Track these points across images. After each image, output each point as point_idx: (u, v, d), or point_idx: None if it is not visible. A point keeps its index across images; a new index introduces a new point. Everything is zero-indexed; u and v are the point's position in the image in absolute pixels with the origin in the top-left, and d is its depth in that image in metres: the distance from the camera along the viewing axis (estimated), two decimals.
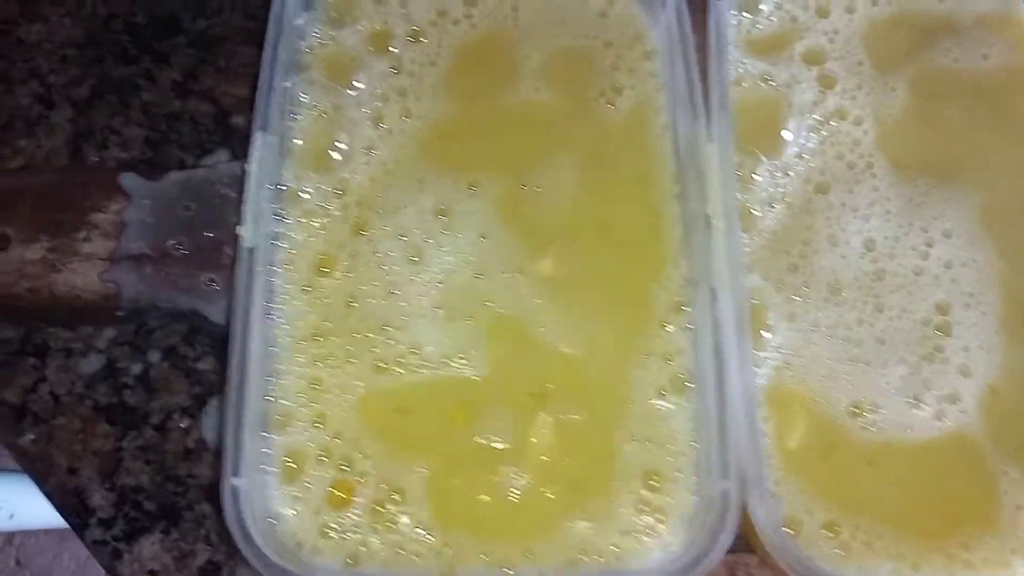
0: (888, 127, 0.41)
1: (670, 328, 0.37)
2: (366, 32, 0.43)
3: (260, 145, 0.38)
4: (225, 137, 0.46)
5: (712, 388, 0.35)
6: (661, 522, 0.34)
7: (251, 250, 0.36)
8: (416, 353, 0.37)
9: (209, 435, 0.41)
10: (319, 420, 0.36)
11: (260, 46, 0.40)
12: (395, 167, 0.40)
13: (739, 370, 0.34)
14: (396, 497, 0.35)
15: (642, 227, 0.39)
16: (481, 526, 0.35)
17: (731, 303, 0.35)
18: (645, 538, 0.34)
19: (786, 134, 0.41)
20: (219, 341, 0.41)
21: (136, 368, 0.42)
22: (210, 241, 0.42)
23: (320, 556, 0.34)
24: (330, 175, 0.40)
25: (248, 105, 0.45)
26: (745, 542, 0.35)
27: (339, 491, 0.35)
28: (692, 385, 0.36)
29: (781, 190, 0.40)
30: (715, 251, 0.36)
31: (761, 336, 0.37)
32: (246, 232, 0.37)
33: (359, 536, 0.34)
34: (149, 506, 0.39)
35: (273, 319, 0.37)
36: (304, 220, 0.39)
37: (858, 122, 0.41)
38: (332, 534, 0.34)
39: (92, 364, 0.42)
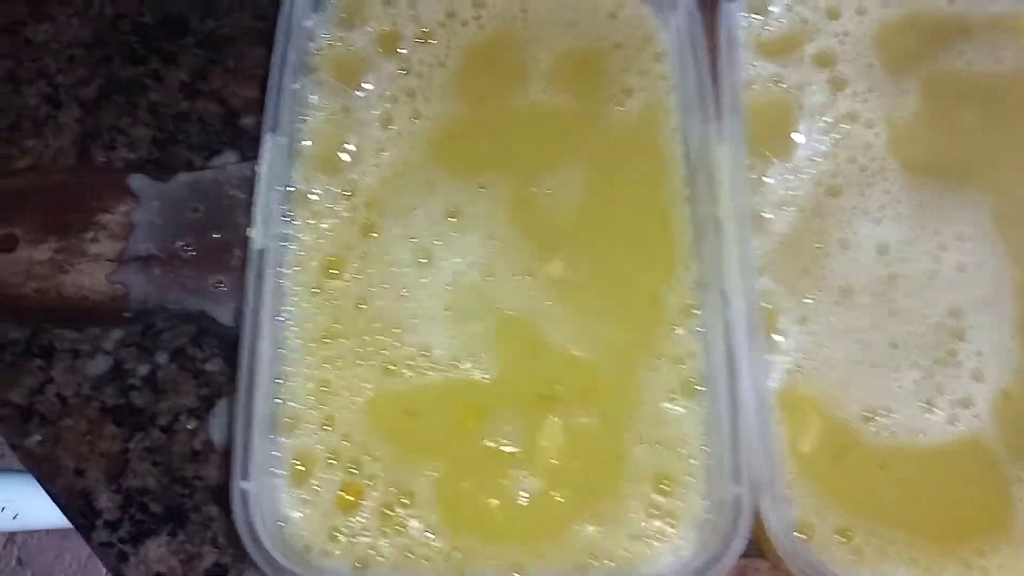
0: (900, 130, 0.40)
1: (680, 331, 0.37)
2: (375, 33, 0.42)
3: (270, 147, 0.38)
4: (233, 138, 0.46)
5: (723, 391, 0.34)
6: (672, 526, 0.34)
7: (261, 252, 0.36)
8: (425, 355, 0.37)
9: (216, 437, 0.40)
10: (328, 422, 0.36)
11: (268, 47, 0.40)
12: (404, 169, 0.40)
13: (751, 373, 0.34)
14: (405, 500, 0.35)
15: (652, 229, 0.39)
16: (490, 529, 0.34)
17: (743, 306, 0.35)
18: (656, 542, 0.34)
19: (797, 136, 0.41)
20: (227, 343, 0.41)
21: (143, 369, 0.42)
22: (218, 243, 0.42)
23: (329, 559, 0.34)
24: (339, 177, 0.40)
25: (256, 106, 0.45)
26: (756, 547, 0.34)
27: (348, 494, 0.35)
28: (703, 388, 0.36)
29: (792, 193, 0.40)
30: (726, 254, 0.36)
31: (773, 339, 0.37)
32: (256, 234, 0.36)
33: (368, 539, 0.34)
34: (156, 508, 0.39)
35: (282, 321, 0.37)
36: (313, 222, 0.39)
37: (870, 125, 0.41)
38: (341, 537, 0.34)
39: (99, 365, 0.42)
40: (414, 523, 0.34)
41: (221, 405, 0.41)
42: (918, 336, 0.37)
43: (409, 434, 0.36)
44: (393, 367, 0.37)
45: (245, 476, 0.33)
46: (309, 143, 0.40)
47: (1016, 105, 0.41)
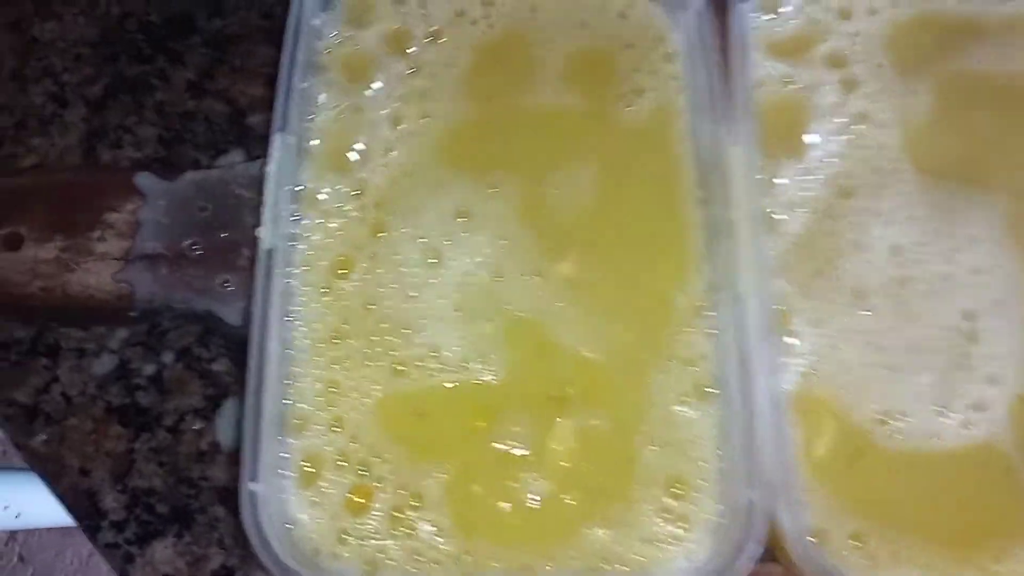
0: (913, 131, 0.40)
1: (692, 332, 0.37)
2: (384, 32, 0.42)
3: (279, 146, 0.37)
4: (240, 137, 0.45)
5: (736, 394, 0.34)
6: (685, 530, 0.34)
7: (270, 252, 0.36)
8: (434, 356, 0.37)
9: (223, 437, 0.40)
10: (336, 424, 0.36)
11: (275, 45, 0.40)
12: (413, 168, 0.40)
13: (766, 376, 0.34)
14: (414, 503, 0.34)
15: (663, 230, 0.39)
16: (501, 533, 0.34)
17: (756, 308, 0.35)
18: (668, 546, 0.34)
19: (809, 138, 0.40)
20: (234, 343, 0.41)
21: (149, 369, 0.41)
22: (226, 242, 0.41)
23: (338, 562, 0.33)
24: (348, 176, 0.39)
25: (263, 105, 0.45)
26: (769, 552, 0.34)
27: (357, 496, 0.34)
28: (715, 391, 0.36)
29: (804, 194, 0.39)
30: (739, 255, 0.36)
31: (786, 342, 0.36)
32: (265, 234, 0.36)
33: (377, 542, 0.34)
34: (162, 509, 0.39)
35: (291, 321, 0.37)
36: (322, 221, 0.38)
37: (882, 126, 0.40)
38: (350, 540, 0.34)
39: (105, 365, 0.42)
40: (424, 526, 0.34)
41: (227, 405, 0.41)
42: (932, 339, 0.37)
43: (418, 436, 0.36)
44: (402, 368, 0.36)
45: (254, 478, 0.33)
46: (318, 142, 0.40)
47: None
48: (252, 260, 0.37)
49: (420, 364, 0.36)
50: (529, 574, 0.33)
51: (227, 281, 0.41)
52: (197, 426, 0.40)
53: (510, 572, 0.33)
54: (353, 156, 0.40)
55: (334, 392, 0.36)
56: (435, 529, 0.34)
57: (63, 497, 0.39)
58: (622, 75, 0.41)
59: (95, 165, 0.45)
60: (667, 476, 0.35)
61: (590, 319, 0.37)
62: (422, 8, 0.43)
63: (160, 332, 0.42)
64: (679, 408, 0.36)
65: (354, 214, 0.39)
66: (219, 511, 0.39)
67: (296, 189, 0.38)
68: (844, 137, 0.40)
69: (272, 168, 0.37)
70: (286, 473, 0.35)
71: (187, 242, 0.41)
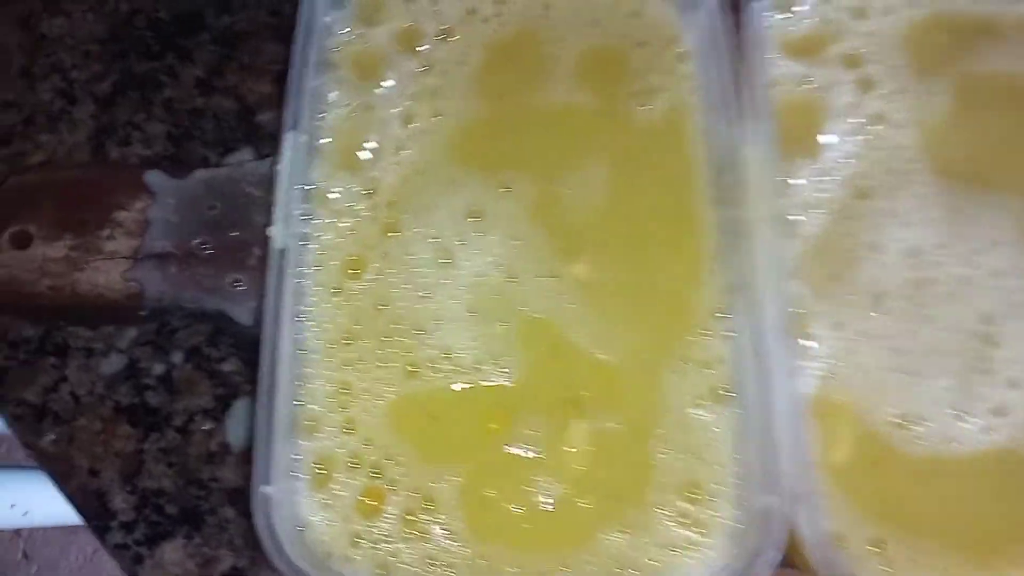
0: (930, 132, 0.40)
1: (708, 335, 0.36)
2: (396, 30, 0.42)
3: (290, 144, 0.37)
4: (249, 135, 0.45)
5: (754, 397, 0.34)
6: (702, 536, 0.34)
7: (282, 251, 0.36)
8: (447, 357, 0.36)
9: (233, 438, 0.40)
10: (349, 426, 0.35)
11: (284, 43, 0.39)
12: (425, 167, 0.39)
13: (783, 379, 0.33)
14: (427, 506, 0.34)
15: (677, 231, 0.38)
16: (515, 537, 0.34)
17: (773, 311, 0.34)
18: (685, 552, 0.33)
19: (824, 138, 0.40)
20: (244, 342, 0.41)
21: (159, 369, 0.41)
22: (235, 241, 0.41)
23: (350, 565, 0.33)
24: (359, 175, 0.39)
25: (272, 102, 0.45)
26: (786, 557, 0.34)
27: (369, 499, 0.34)
28: (732, 394, 0.35)
29: (819, 195, 0.39)
30: (756, 257, 0.35)
31: (803, 345, 0.36)
32: (276, 233, 0.36)
33: (389, 546, 0.34)
34: (171, 510, 0.39)
35: (302, 322, 0.36)
36: (333, 221, 0.38)
37: (899, 126, 0.40)
38: (363, 543, 0.34)
39: (113, 364, 0.41)
40: (437, 529, 0.34)
41: (237, 406, 0.40)
42: (951, 342, 0.36)
43: (431, 438, 0.35)
44: (414, 370, 0.36)
45: (266, 480, 0.32)
46: (328, 141, 0.39)
47: None
48: (262, 259, 0.37)
49: (433, 366, 0.36)
50: None
51: (237, 280, 0.40)
52: (207, 426, 0.40)
53: None
54: (364, 155, 0.39)
55: (346, 394, 0.36)
56: (448, 533, 0.34)
57: (72, 497, 0.39)
58: (635, 74, 0.41)
59: (104, 162, 0.44)
60: (683, 480, 0.34)
61: (604, 321, 0.37)
62: (433, 5, 0.42)
63: (169, 331, 0.42)
64: (695, 411, 0.35)
65: (365, 213, 0.38)
66: (229, 512, 0.39)
67: (307, 188, 0.38)
68: (860, 138, 0.40)
69: (283, 167, 0.37)
70: (298, 475, 0.34)
71: (197, 241, 0.41)
